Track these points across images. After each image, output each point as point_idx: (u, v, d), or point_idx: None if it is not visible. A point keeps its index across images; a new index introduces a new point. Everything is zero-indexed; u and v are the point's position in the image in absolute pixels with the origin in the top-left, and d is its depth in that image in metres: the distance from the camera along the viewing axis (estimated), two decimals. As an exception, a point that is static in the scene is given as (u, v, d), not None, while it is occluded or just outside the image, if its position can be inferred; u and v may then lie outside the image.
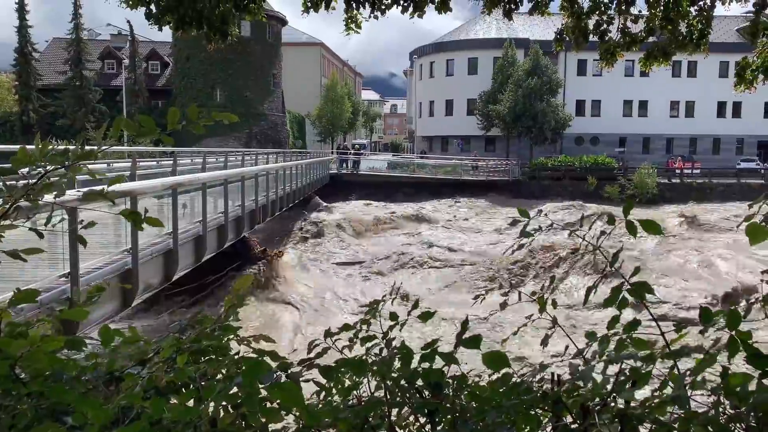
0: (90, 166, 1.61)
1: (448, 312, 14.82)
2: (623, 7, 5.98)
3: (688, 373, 1.30)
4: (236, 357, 1.54)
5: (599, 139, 51.53)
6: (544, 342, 1.67)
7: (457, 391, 1.45)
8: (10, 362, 1.36)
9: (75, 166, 1.54)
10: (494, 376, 1.45)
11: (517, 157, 44.27)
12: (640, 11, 6.27)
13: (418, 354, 1.52)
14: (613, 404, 1.33)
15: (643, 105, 52.36)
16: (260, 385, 1.27)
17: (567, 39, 6.30)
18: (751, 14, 5.92)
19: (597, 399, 1.35)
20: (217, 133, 41.93)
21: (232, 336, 1.70)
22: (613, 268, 1.53)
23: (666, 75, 45.57)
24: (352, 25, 5.84)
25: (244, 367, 1.40)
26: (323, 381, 1.53)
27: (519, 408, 1.35)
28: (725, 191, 38.60)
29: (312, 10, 5.70)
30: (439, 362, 1.50)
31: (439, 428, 1.40)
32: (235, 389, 1.30)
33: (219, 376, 1.49)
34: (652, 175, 38.48)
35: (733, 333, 1.28)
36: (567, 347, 1.59)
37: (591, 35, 6.17)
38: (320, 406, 1.48)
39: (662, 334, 1.41)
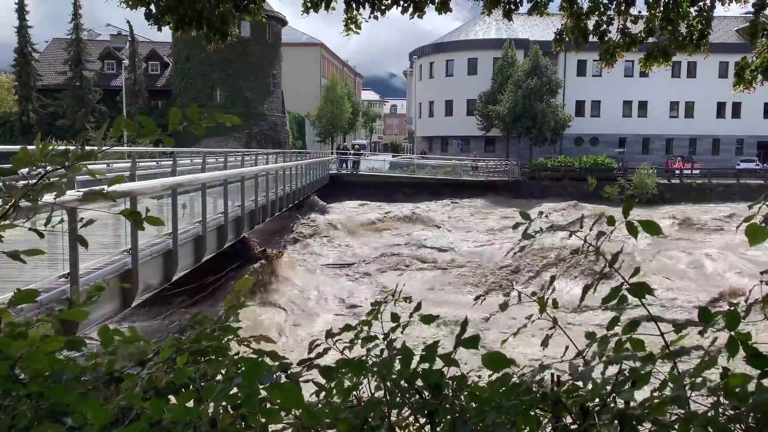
0: (90, 167, 1.61)
1: (434, 312, 14.89)
2: (623, 8, 5.99)
3: (688, 373, 1.31)
4: (236, 357, 1.54)
5: (599, 139, 51.55)
6: (545, 342, 1.67)
7: (456, 392, 1.45)
8: (9, 363, 1.36)
9: (75, 167, 1.55)
10: (494, 377, 1.45)
11: (517, 158, 44.27)
12: (639, 12, 6.27)
13: (418, 355, 1.52)
14: (612, 405, 1.33)
15: (643, 105, 52.38)
16: (260, 386, 1.28)
17: (566, 39, 6.30)
18: (751, 15, 5.92)
19: (597, 399, 1.35)
20: (217, 134, 41.93)
21: (231, 336, 1.70)
22: (612, 269, 1.53)
23: (665, 75, 45.57)
24: (352, 26, 5.85)
25: (243, 368, 1.40)
26: (323, 381, 1.53)
27: (519, 408, 1.35)
28: (725, 192, 38.63)
29: (312, 10, 5.70)
30: (439, 363, 1.50)
31: (438, 429, 1.40)
32: (234, 390, 1.30)
33: (219, 376, 1.48)
34: (651, 175, 38.49)
35: (733, 333, 1.28)
36: (567, 347, 1.59)
37: (591, 36, 6.17)
38: (320, 406, 1.48)
39: (662, 334, 1.41)
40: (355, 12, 5.73)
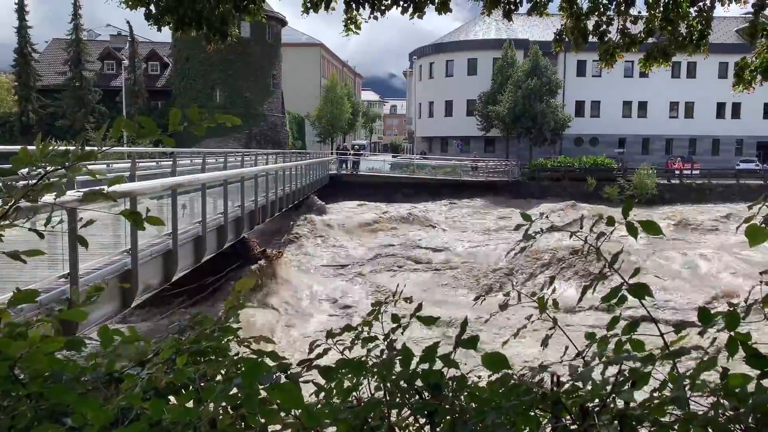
0: (90, 167, 1.61)
1: (428, 313, 14.93)
2: (623, 8, 5.99)
3: (688, 374, 1.31)
4: (236, 358, 1.54)
5: (599, 139, 51.55)
6: (545, 342, 1.67)
7: (456, 392, 1.45)
8: (9, 363, 1.36)
9: (75, 167, 1.55)
10: (493, 377, 1.45)
11: (517, 158, 44.27)
12: (639, 12, 6.28)
13: (418, 355, 1.52)
14: (612, 405, 1.33)
15: (643, 106, 52.39)
16: (260, 386, 1.28)
17: (566, 40, 6.30)
18: (750, 15, 5.92)
19: (596, 400, 1.35)
20: (217, 134, 41.93)
21: (231, 337, 1.70)
22: (612, 269, 1.53)
23: (665, 76, 45.56)
24: (352, 26, 5.85)
25: (243, 368, 1.40)
26: (323, 382, 1.53)
27: (518, 409, 1.35)
28: (724, 192, 38.67)
29: (312, 10, 5.70)
30: (438, 363, 1.50)
31: (438, 429, 1.40)
32: (234, 390, 1.30)
33: (218, 377, 1.49)
34: (651, 175, 38.50)
35: (733, 334, 1.28)
36: (566, 348, 1.59)
37: (590, 36, 6.17)
38: (319, 406, 1.48)
39: (662, 335, 1.41)
40: (354, 12, 5.74)
